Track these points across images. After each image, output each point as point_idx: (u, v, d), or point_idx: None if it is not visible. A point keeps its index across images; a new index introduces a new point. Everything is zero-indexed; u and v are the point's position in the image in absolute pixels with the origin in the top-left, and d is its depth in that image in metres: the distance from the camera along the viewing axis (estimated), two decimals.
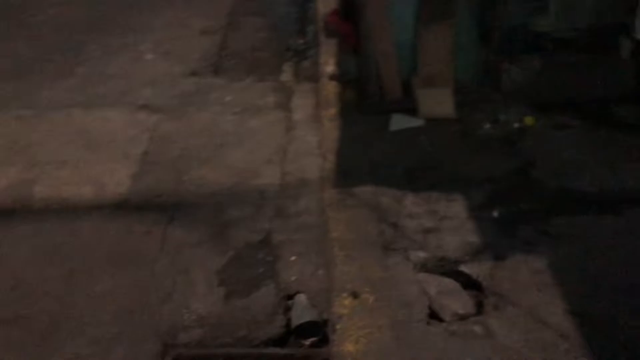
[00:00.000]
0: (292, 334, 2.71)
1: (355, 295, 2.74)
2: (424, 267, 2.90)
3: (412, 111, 3.96)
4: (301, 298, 2.82)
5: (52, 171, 3.71)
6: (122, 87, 4.65)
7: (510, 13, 3.88)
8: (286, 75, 4.90)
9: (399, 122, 3.93)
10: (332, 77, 4.53)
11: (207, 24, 5.66)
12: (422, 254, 2.94)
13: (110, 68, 4.93)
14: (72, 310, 2.79)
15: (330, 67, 4.68)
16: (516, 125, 3.81)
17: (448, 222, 3.10)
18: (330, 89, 4.42)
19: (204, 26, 5.63)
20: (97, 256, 3.11)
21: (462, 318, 2.66)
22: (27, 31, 5.59)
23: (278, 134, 4.09)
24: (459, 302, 2.73)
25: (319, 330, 2.70)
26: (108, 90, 4.61)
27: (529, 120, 3.80)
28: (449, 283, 2.83)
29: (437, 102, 4.01)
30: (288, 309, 2.80)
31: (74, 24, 5.68)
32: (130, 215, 3.40)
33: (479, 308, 2.70)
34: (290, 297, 2.85)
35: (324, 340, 2.66)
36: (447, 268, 2.89)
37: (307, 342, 2.66)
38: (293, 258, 3.06)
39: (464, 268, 2.87)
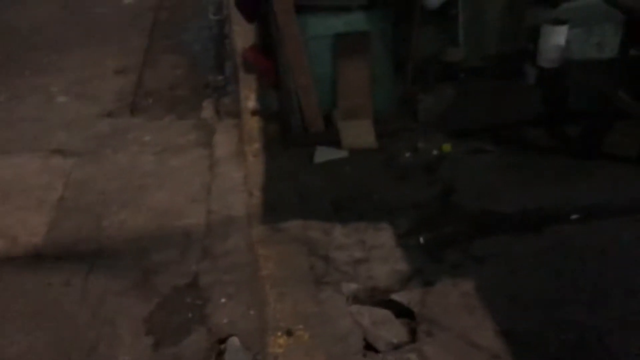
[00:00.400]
0: None
1: (289, 333, 2.69)
2: (356, 298, 2.90)
3: (335, 143, 4.01)
4: (234, 341, 2.74)
5: None
6: (33, 132, 4.44)
7: (422, 46, 4.04)
8: (206, 112, 4.84)
9: (323, 154, 3.96)
10: (254, 112, 4.52)
11: (122, 63, 5.54)
12: (353, 286, 2.94)
13: (19, 112, 4.71)
14: None
15: (251, 102, 4.67)
16: (435, 152, 3.92)
17: (377, 251, 3.12)
18: (253, 124, 4.40)
19: (118, 65, 5.50)
20: (11, 314, 2.90)
21: (397, 347, 2.67)
22: None
23: (201, 172, 4.02)
24: (392, 331, 2.74)
25: None
26: (18, 135, 4.39)
27: (446, 147, 3.93)
28: (382, 313, 2.83)
29: (359, 133, 4.09)
30: (221, 354, 2.72)
31: None
32: (46, 266, 3.21)
33: (413, 336, 2.72)
34: (223, 340, 2.77)
35: None
36: (378, 298, 2.90)
37: None
38: (223, 300, 2.98)
39: (395, 296, 2.88)
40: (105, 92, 5.02)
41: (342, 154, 3.97)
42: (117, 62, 5.55)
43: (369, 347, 2.67)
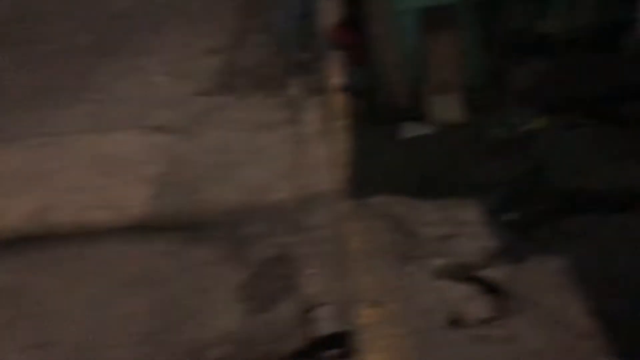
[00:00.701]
0: (315, 346, 2.74)
1: (375, 305, 2.76)
2: (442, 274, 2.92)
3: (423, 119, 3.99)
4: (323, 310, 2.85)
5: (70, 197, 3.77)
6: (135, 110, 4.72)
7: (513, 16, 3.91)
8: (294, 89, 4.95)
9: (410, 129, 3.96)
10: (341, 89, 4.57)
11: (215, 43, 5.73)
12: (439, 261, 2.96)
13: (121, 92, 5.00)
14: (96, 335, 2.83)
15: (337, 79, 4.72)
16: (526, 127, 3.82)
17: (464, 228, 3.12)
18: (339, 101, 4.46)
19: (211, 45, 5.69)
20: (118, 279, 3.16)
21: (483, 323, 2.68)
22: (38, 60, 5.68)
23: (290, 149, 4.14)
24: (479, 307, 2.75)
25: (342, 342, 2.72)
26: (121, 114, 4.68)
27: (538, 122, 3.82)
28: (468, 289, 2.84)
29: (447, 108, 4.04)
30: (310, 322, 2.83)
31: (83, 51, 5.77)
32: (149, 236, 3.45)
33: (500, 312, 2.71)
34: (312, 310, 2.88)
35: (348, 352, 2.68)
36: (465, 274, 2.90)
37: (332, 353, 2.69)
38: (312, 271, 3.09)
39: (482, 273, 2.88)
40: (199, 71, 5.23)
41: (430, 129, 3.95)
42: (210, 42, 5.75)
43: (455, 322, 2.69)
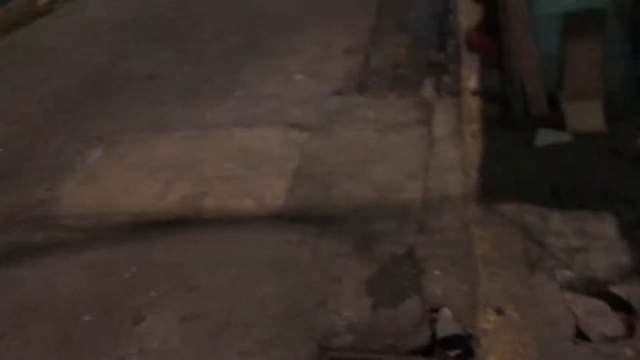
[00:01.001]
0: (436, 345, 2.85)
1: (500, 311, 2.82)
2: (570, 286, 2.90)
3: (559, 126, 3.92)
4: (446, 312, 2.95)
5: (218, 185, 4.17)
6: (276, 107, 5.06)
7: None
8: (427, 90, 5.04)
9: (545, 137, 3.91)
10: (474, 93, 4.59)
11: (350, 43, 5.97)
12: (568, 274, 2.94)
13: (264, 89, 5.38)
14: (240, 311, 3.15)
15: (472, 82, 4.74)
16: None
17: (597, 241, 3.06)
18: (473, 104, 4.49)
19: (347, 45, 5.94)
20: (258, 263, 3.47)
21: (612, 340, 2.64)
22: (190, 57, 6.25)
23: (420, 150, 4.25)
24: (608, 323, 2.71)
25: (463, 344, 2.81)
26: (263, 110, 5.04)
27: None
28: (598, 304, 2.81)
29: (586, 116, 3.94)
30: (433, 322, 2.94)
31: (230, 50, 6.26)
32: (286, 226, 3.73)
33: (630, 330, 2.66)
34: (435, 310, 2.99)
35: (468, 354, 2.77)
36: (595, 288, 2.87)
37: (452, 354, 2.79)
38: (437, 272, 3.20)
39: (613, 289, 2.83)
40: (336, 71, 5.48)
41: (566, 137, 3.88)
42: (346, 42, 5.99)
43: (580, 335, 2.68)
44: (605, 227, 3.15)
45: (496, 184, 3.62)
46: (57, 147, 4.98)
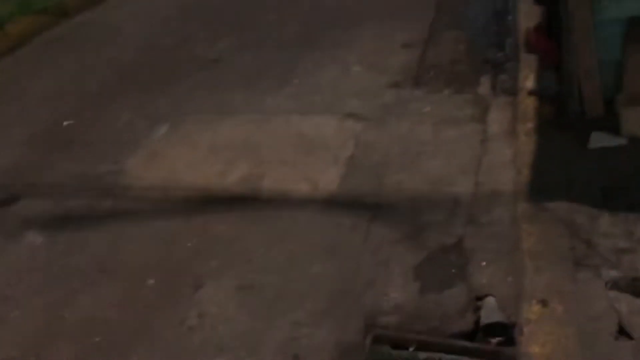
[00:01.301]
0: (479, 331, 2.98)
1: (544, 303, 2.91)
2: (615, 285, 2.97)
3: (614, 130, 3.95)
4: (490, 300, 3.07)
5: (275, 168, 4.37)
6: (332, 97, 5.23)
7: None
8: (483, 88, 5.11)
9: (599, 139, 3.95)
10: (530, 92, 4.64)
11: (409, 38, 6.07)
12: (614, 273, 3.01)
13: (321, 79, 5.55)
14: (293, 285, 3.34)
15: (528, 82, 4.79)
16: None
17: None
18: (528, 103, 4.54)
19: (405, 40, 6.04)
20: (312, 242, 3.65)
21: None
22: (251, 45, 6.48)
23: (473, 145, 4.34)
24: None
25: (505, 332, 2.92)
26: (319, 99, 5.22)
27: None
28: None
29: None
30: (477, 309, 3.06)
31: (290, 40, 6.46)
32: (338, 210, 3.90)
33: None
34: (480, 298, 3.11)
35: (510, 341, 2.88)
36: None
37: (494, 340, 2.91)
38: (484, 263, 3.31)
39: None
40: (393, 64, 5.60)
41: (621, 141, 3.91)
42: (404, 36, 6.10)
43: (623, 332, 2.75)
44: None
45: (547, 182, 3.69)
46: (124, 123, 5.29)
